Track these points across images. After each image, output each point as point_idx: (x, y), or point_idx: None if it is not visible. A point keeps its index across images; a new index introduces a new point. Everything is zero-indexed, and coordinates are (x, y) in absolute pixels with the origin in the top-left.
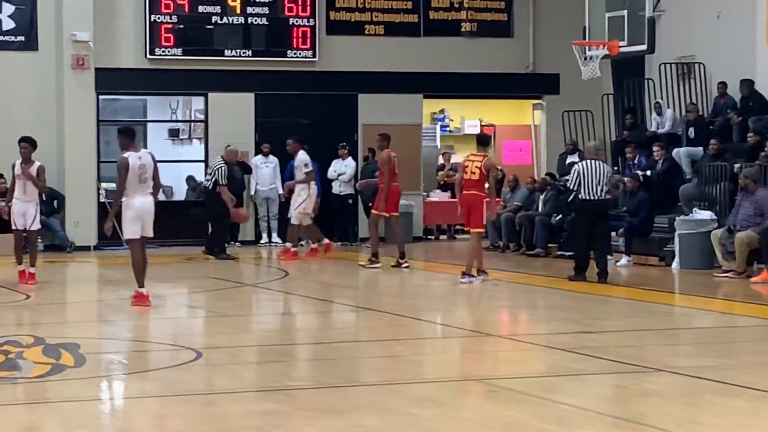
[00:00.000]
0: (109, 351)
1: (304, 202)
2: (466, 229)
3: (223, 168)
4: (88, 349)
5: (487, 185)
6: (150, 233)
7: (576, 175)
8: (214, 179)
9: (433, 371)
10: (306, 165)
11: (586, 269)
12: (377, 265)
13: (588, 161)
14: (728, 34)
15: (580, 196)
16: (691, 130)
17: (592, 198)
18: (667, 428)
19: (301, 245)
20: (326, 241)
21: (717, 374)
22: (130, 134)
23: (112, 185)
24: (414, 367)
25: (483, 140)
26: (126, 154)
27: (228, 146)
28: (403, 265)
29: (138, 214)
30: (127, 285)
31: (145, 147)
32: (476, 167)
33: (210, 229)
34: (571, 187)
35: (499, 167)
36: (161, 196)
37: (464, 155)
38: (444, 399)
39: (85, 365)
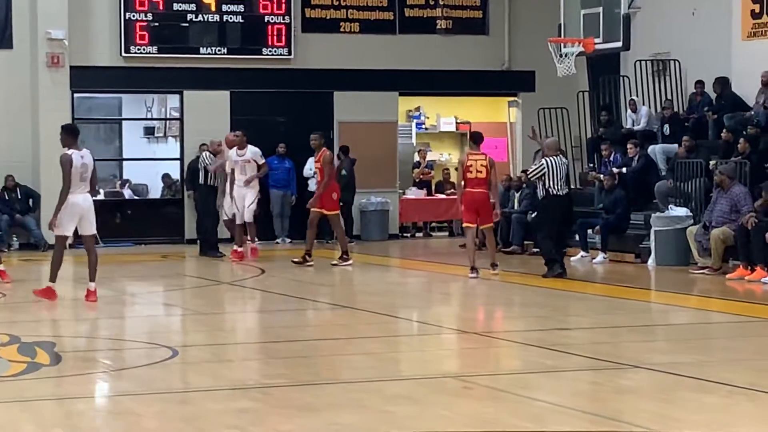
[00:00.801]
0: (85, 349)
1: (255, 199)
2: (472, 226)
3: (207, 153)
4: (63, 348)
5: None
6: (93, 230)
7: (543, 170)
8: (203, 168)
9: (410, 368)
10: (261, 156)
11: (562, 265)
12: (349, 263)
13: (553, 157)
14: (703, 31)
15: (551, 191)
16: (666, 127)
17: (561, 193)
18: (643, 425)
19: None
20: (240, 249)
21: (693, 371)
22: (74, 132)
23: None
24: (390, 364)
25: (478, 138)
26: (69, 152)
27: (203, 144)
28: (310, 263)
29: (77, 212)
30: (102, 283)
31: (120, 145)
32: (482, 165)
33: (200, 228)
34: (532, 179)
35: None
36: (127, 193)
37: (440, 153)
38: (420, 396)
39: (60, 364)
